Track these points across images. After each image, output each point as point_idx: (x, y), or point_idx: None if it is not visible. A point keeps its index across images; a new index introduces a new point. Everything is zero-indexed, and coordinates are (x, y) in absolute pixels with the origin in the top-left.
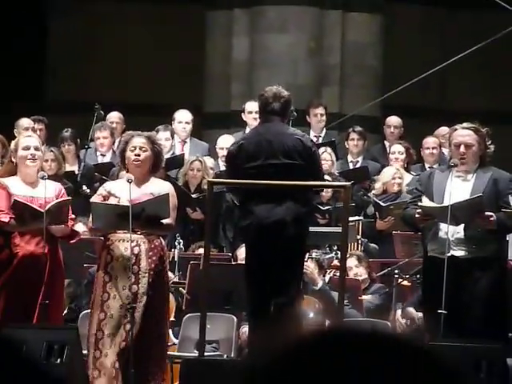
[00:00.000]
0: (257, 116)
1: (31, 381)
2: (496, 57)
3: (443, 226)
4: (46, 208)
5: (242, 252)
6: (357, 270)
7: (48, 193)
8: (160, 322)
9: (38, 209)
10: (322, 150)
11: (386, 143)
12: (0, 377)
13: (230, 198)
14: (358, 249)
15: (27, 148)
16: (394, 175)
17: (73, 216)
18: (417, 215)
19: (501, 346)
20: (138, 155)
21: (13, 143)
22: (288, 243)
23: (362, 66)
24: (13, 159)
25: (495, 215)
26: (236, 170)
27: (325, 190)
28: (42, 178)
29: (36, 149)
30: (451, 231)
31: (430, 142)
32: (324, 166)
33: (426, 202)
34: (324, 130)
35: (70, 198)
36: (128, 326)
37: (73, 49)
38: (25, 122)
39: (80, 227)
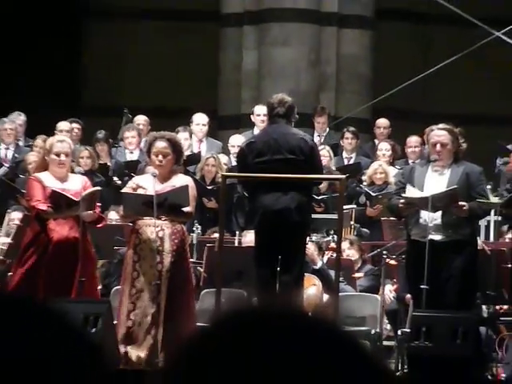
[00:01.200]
0: (264, 118)
1: (74, 345)
2: (470, 67)
3: (423, 214)
4: (81, 196)
5: (246, 237)
6: (349, 251)
7: (76, 185)
8: (185, 293)
9: (73, 198)
10: (321, 147)
11: (376, 141)
12: (47, 341)
13: (240, 190)
14: (351, 233)
15: (58, 154)
16: (375, 170)
17: (99, 204)
18: (400, 205)
19: (474, 316)
20: (161, 161)
21: (47, 143)
22: (292, 228)
23: (355, 74)
24: (46, 157)
25: (468, 204)
26: (246, 164)
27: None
28: (79, 172)
29: (66, 155)
30: (430, 218)
31: (412, 140)
32: (323, 161)
33: (410, 190)
34: (327, 130)
35: (99, 188)
36: (156, 299)
37: (104, 60)
38: (63, 124)
39: (112, 215)
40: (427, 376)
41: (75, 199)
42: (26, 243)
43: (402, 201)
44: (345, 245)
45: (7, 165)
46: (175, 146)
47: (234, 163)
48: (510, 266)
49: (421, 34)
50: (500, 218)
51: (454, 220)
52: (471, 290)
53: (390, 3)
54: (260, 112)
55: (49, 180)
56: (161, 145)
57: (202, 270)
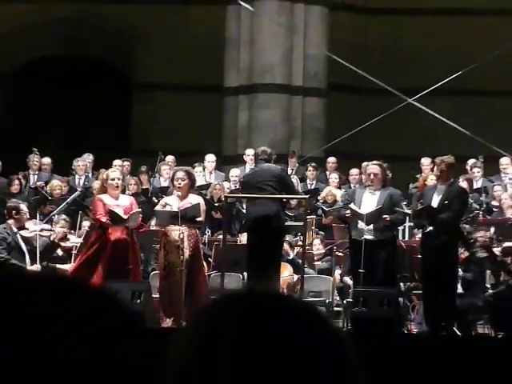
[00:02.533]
0: (252, 158)
1: (122, 314)
2: (391, 126)
3: (360, 222)
4: (128, 215)
5: (242, 237)
6: (319, 246)
7: (126, 203)
8: (199, 276)
9: (123, 216)
10: (293, 177)
11: (328, 173)
12: (101, 313)
13: (237, 205)
14: (312, 235)
15: (113, 179)
16: (327, 193)
17: (141, 216)
18: (347, 215)
19: (395, 290)
20: (180, 184)
21: (105, 174)
22: (272, 230)
23: (314, 128)
24: (104, 184)
25: (390, 217)
26: (248, 188)
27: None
28: (127, 194)
29: (118, 179)
30: (365, 226)
31: (353, 171)
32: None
33: (352, 207)
34: (297, 165)
35: (140, 209)
36: (180, 280)
37: (145, 119)
38: (117, 162)
39: (151, 223)
40: (364, 331)
41: (124, 217)
42: (91, 242)
43: (347, 211)
44: (316, 241)
45: (80, 189)
46: (190, 175)
47: (233, 187)
48: (419, 256)
49: (358, 100)
50: (412, 224)
51: (381, 226)
52: (392, 272)
53: (338, 80)
54: (249, 153)
55: (107, 199)
56: (179, 174)
57: (211, 260)
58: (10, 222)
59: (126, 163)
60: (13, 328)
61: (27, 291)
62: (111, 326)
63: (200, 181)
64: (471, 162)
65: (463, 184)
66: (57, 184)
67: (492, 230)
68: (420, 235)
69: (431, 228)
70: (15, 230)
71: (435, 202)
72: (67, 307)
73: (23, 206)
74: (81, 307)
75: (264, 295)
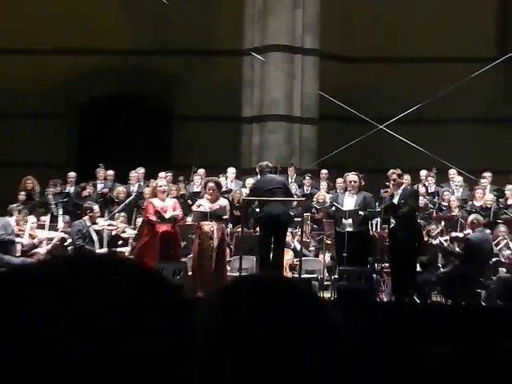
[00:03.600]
0: (260, 169)
1: (166, 287)
2: (367, 146)
3: (343, 218)
4: (170, 215)
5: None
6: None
7: (170, 204)
8: (223, 259)
9: (166, 216)
10: (292, 185)
11: (321, 181)
12: (152, 286)
13: (252, 206)
14: (308, 228)
15: (161, 186)
16: (319, 196)
17: (180, 214)
18: (333, 212)
19: (369, 269)
20: (210, 191)
21: (155, 183)
22: (281, 226)
23: (309, 148)
24: (154, 190)
25: (364, 213)
26: (256, 192)
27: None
28: (170, 197)
29: (165, 186)
30: (347, 220)
31: (339, 180)
32: (293, 191)
33: (336, 206)
34: (295, 176)
35: (177, 212)
36: (210, 261)
37: (183, 140)
38: (162, 174)
39: (188, 220)
40: (346, 300)
41: (166, 217)
42: (145, 234)
43: (333, 209)
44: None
45: (134, 194)
46: (218, 185)
47: (248, 192)
48: (387, 244)
49: (342, 127)
50: (381, 219)
51: (358, 221)
52: (366, 256)
53: (327, 112)
54: (259, 168)
55: (156, 202)
56: (210, 184)
57: (232, 246)
58: (85, 218)
59: (168, 174)
60: (84, 295)
61: (97, 265)
62: (160, 296)
63: (223, 187)
64: (426, 172)
65: (422, 189)
66: (121, 189)
67: (442, 223)
68: (387, 229)
69: (395, 223)
70: (89, 224)
71: (395, 201)
72: (125, 281)
73: (96, 207)
74: (136, 281)
75: (269, 279)
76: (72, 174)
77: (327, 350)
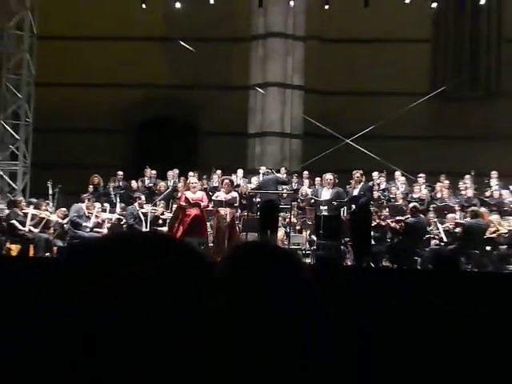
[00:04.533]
0: (262, 171)
1: (197, 254)
2: (338, 155)
3: (320, 206)
4: (197, 202)
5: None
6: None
7: (199, 195)
8: (234, 234)
9: (192, 202)
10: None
11: (304, 179)
12: (186, 253)
13: (255, 197)
14: (295, 214)
15: (192, 182)
16: (302, 190)
17: (207, 202)
18: (313, 202)
19: (339, 243)
20: (226, 186)
21: (188, 180)
22: (274, 210)
23: (296, 156)
24: (188, 185)
25: (335, 203)
26: (257, 188)
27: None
28: (198, 190)
29: (195, 183)
30: (323, 206)
31: (317, 179)
32: (283, 187)
33: (316, 197)
34: (285, 175)
35: (206, 201)
36: (225, 235)
37: (205, 149)
38: (191, 173)
39: (209, 207)
40: (321, 265)
41: (193, 203)
42: (180, 217)
43: (313, 200)
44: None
45: (170, 188)
46: (231, 181)
47: (253, 186)
48: (350, 224)
49: (320, 141)
50: (347, 207)
51: (332, 207)
52: (338, 233)
53: (310, 130)
54: (261, 169)
55: (189, 194)
56: (225, 181)
57: (240, 226)
58: (136, 204)
59: (195, 174)
60: (135, 271)
61: (144, 240)
62: (194, 259)
63: (235, 183)
64: (378, 173)
65: (376, 186)
66: (162, 184)
67: (387, 209)
68: (350, 213)
69: (355, 209)
70: (137, 208)
71: (355, 193)
72: (165, 250)
73: (142, 196)
74: (173, 250)
75: (268, 244)
76: (120, 173)
77: (306, 293)
